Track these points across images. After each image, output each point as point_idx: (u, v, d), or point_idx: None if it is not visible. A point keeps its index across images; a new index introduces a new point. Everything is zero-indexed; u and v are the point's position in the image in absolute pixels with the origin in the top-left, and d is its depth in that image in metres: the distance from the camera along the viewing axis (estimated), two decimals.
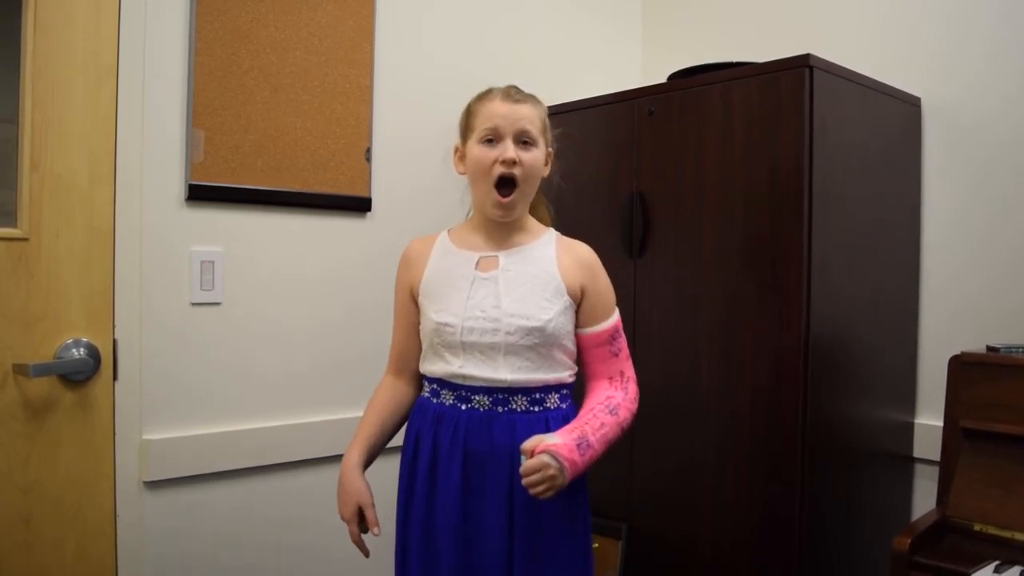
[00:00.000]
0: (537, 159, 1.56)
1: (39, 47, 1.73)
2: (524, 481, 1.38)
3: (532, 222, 1.65)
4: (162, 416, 1.92)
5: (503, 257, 1.58)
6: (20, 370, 1.69)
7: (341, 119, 2.19)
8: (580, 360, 1.63)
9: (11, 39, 1.72)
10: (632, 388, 1.61)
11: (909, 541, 1.67)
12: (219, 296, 2.01)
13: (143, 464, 1.88)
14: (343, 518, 1.61)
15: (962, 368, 1.88)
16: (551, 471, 1.38)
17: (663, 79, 2.33)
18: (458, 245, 1.63)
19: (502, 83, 1.63)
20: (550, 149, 1.63)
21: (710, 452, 2.04)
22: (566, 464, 1.39)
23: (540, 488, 1.38)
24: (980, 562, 1.63)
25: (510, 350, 1.52)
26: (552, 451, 1.39)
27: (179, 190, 1.95)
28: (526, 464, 1.38)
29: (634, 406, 1.60)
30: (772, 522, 1.91)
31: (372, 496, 1.61)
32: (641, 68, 3.01)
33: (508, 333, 1.51)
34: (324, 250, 2.20)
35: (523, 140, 1.54)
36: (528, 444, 1.41)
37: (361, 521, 1.60)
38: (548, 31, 2.72)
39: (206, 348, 2.00)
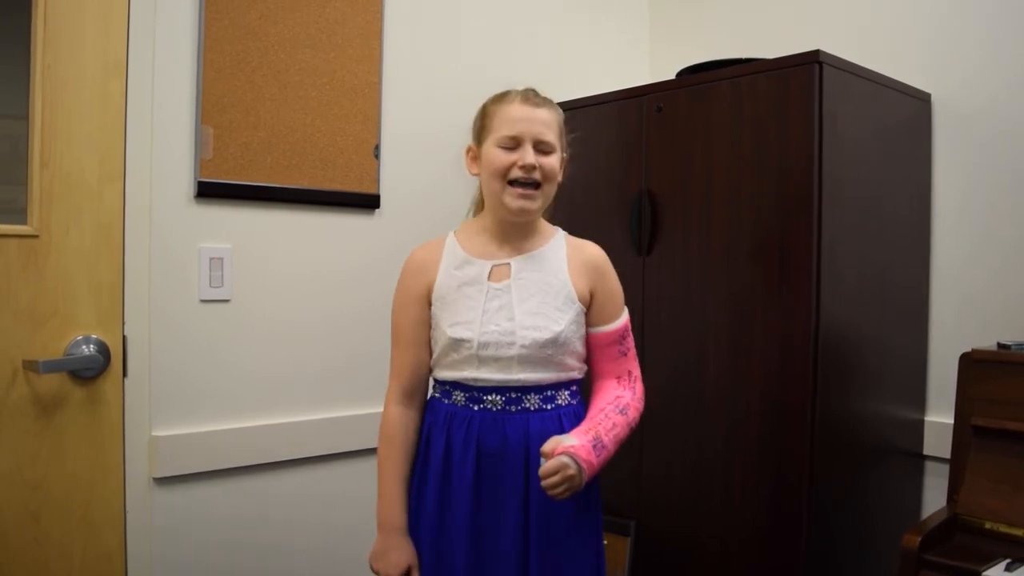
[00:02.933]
0: (556, 164, 1.55)
1: (49, 44, 1.73)
2: (544, 483, 1.39)
3: (542, 223, 1.64)
4: (171, 413, 1.93)
5: (515, 264, 1.57)
6: (30, 367, 1.70)
7: (350, 116, 2.19)
8: (588, 359, 1.63)
9: (21, 37, 1.72)
10: (639, 388, 1.62)
11: (919, 539, 1.66)
12: (228, 293, 2.01)
13: (152, 460, 1.89)
14: None
15: (973, 365, 1.87)
16: (570, 471, 1.39)
17: (672, 76, 2.32)
18: (469, 251, 1.60)
19: (510, 80, 1.63)
20: (564, 155, 1.62)
21: (718, 449, 2.03)
22: (584, 465, 1.41)
23: (559, 489, 1.39)
24: (990, 560, 1.62)
25: (524, 360, 1.52)
26: (571, 452, 1.40)
27: (188, 187, 1.95)
28: (546, 466, 1.39)
29: (641, 405, 1.61)
30: (780, 519, 1.91)
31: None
32: (649, 65, 3.00)
33: (523, 346, 1.51)
34: (333, 247, 2.20)
35: (541, 149, 1.53)
36: (547, 446, 1.41)
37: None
38: (556, 28, 2.72)
39: (215, 345, 2.00)
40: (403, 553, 1.57)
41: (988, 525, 1.72)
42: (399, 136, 2.31)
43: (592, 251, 1.63)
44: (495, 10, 2.55)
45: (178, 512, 1.94)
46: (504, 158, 1.52)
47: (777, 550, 1.91)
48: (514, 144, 1.52)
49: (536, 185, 1.52)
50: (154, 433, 1.90)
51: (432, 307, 1.60)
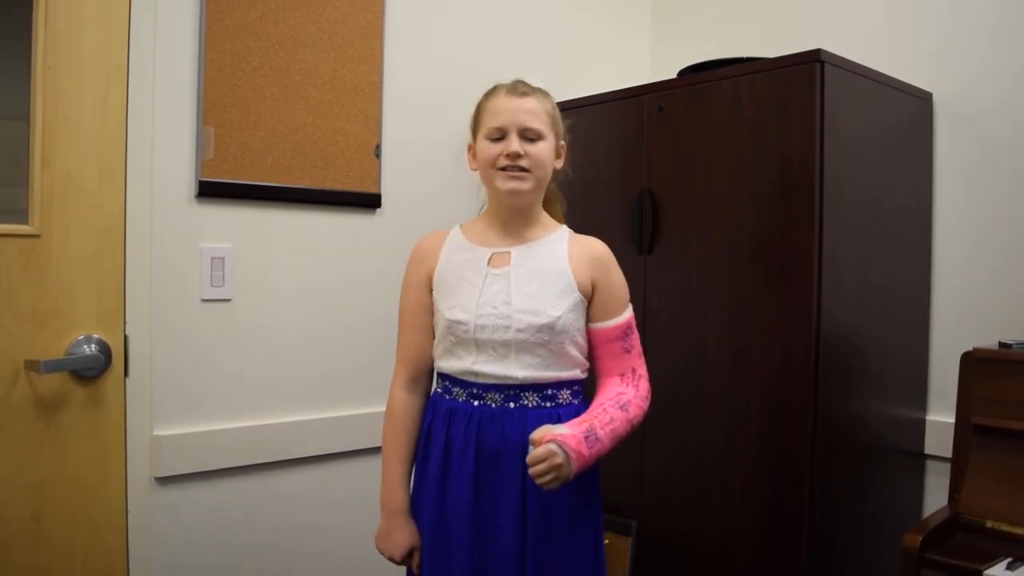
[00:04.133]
0: (544, 150, 1.56)
1: (49, 44, 1.73)
2: (531, 471, 1.39)
3: (545, 217, 1.66)
4: (173, 412, 1.93)
5: (515, 252, 1.59)
6: (31, 367, 1.70)
7: (351, 116, 2.19)
8: (592, 356, 1.62)
9: (22, 36, 1.72)
10: (644, 386, 1.61)
11: (920, 538, 1.66)
12: (229, 293, 2.02)
13: (154, 460, 1.89)
14: (395, 559, 1.61)
15: (974, 364, 1.87)
16: (557, 459, 1.38)
17: (673, 75, 2.32)
18: (471, 240, 1.63)
19: (511, 80, 1.62)
20: (562, 142, 1.63)
21: (719, 449, 2.03)
22: (572, 455, 1.40)
23: (546, 478, 1.39)
24: (992, 559, 1.62)
25: (521, 347, 1.52)
26: (559, 441, 1.40)
27: (189, 187, 1.95)
28: (533, 453, 1.39)
29: (646, 404, 1.59)
30: (780, 519, 1.90)
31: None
32: (651, 64, 3.00)
33: (519, 330, 1.51)
34: (334, 247, 2.20)
35: (528, 137, 1.55)
36: (536, 434, 1.42)
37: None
38: (558, 27, 2.72)
39: (216, 345, 2.00)
40: (406, 534, 1.60)
41: (989, 524, 1.72)
42: (400, 136, 2.31)
43: (596, 246, 1.63)
44: (496, 10, 2.55)
45: (180, 512, 1.94)
46: (492, 149, 1.55)
47: (777, 550, 1.91)
48: (500, 135, 1.55)
49: (525, 169, 1.54)
50: (155, 433, 1.90)
51: (433, 293, 1.63)
